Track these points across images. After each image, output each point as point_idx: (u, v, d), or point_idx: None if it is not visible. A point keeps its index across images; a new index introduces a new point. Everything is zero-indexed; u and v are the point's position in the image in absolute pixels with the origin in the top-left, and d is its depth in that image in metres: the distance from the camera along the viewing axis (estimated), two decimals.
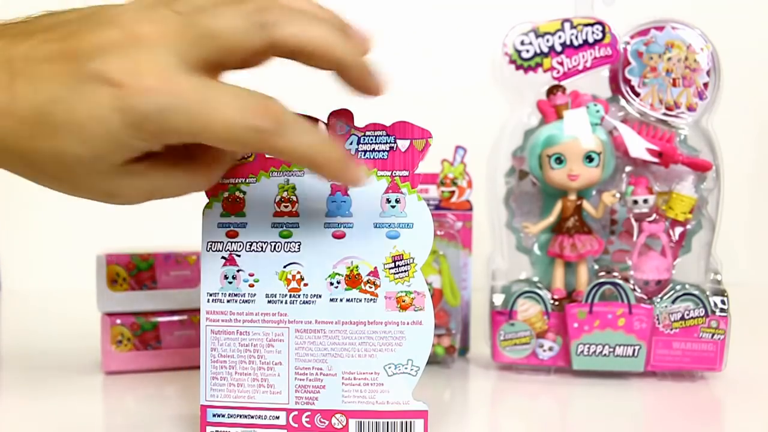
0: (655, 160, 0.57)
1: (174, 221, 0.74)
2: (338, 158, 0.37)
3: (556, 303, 0.59)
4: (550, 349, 0.59)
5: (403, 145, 0.42)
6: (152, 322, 0.60)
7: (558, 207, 0.58)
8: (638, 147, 0.57)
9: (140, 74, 0.33)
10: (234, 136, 0.34)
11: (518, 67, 0.59)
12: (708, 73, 0.58)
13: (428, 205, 0.63)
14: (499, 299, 0.59)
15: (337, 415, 0.42)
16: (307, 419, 0.43)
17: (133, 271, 0.60)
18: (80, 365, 0.62)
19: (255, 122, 0.34)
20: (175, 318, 0.60)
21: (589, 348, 0.58)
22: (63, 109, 0.34)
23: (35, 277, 0.95)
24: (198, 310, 0.61)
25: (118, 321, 0.59)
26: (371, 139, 0.42)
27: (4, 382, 0.59)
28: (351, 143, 0.42)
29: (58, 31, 0.35)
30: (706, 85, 0.58)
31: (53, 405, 0.53)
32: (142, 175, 0.37)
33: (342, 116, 0.42)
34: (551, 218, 0.59)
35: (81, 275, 0.68)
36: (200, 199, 0.58)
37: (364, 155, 0.42)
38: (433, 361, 0.62)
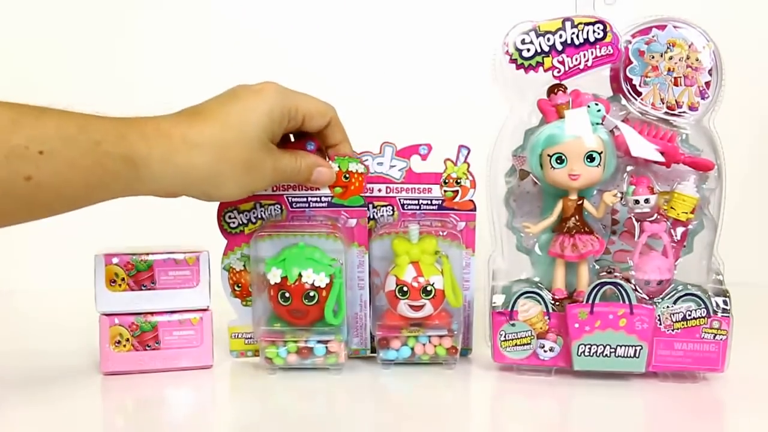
0: (658, 159, 0.57)
1: (174, 221, 0.73)
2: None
3: (557, 303, 0.59)
4: (551, 349, 0.59)
5: None
6: (151, 322, 0.60)
7: (559, 207, 0.58)
8: (639, 146, 0.57)
9: None
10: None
11: (519, 66, 0.58)
12: (710, 72, 0.57)
13: (431, 204, 0.65)
14: (499, 299, 0.59)
15: None
16: None
17: (132, 272, 0.59)
18: (79, 366, 0.61)
19: None
20: (174, 318, 0.60)
21: (590, 348, 0.57)
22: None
23: (34, 277, 0.95)
24: (197, 310, 0.61)
25: (117, 321, 0.59)
26: None
27: (3, 382, 0.59)
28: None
29: None
30: (708, 84, 0.57)
31: (52, 405, 0.53)
32: None
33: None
34: (552, 218, 0.58)
35: (80, 275, 0.68)
36: (199, 201, 0.57)
37: None
38: (435, 361, 0.62)
